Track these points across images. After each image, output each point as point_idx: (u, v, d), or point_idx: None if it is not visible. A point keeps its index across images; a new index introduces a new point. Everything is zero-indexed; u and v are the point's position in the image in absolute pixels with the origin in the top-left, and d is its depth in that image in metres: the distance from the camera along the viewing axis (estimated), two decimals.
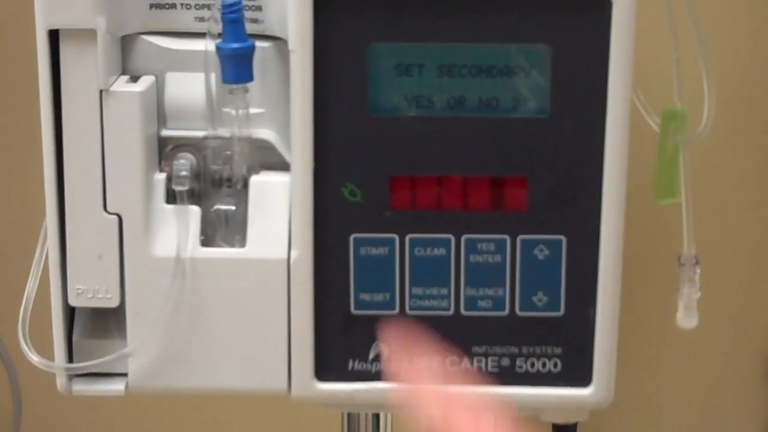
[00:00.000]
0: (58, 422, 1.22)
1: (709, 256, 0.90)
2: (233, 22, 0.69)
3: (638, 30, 0.67)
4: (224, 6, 0.69)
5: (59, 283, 0.71)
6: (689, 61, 0.79)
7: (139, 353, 0.71)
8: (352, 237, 0.70)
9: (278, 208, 0.71)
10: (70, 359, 0.72)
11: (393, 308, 0.71)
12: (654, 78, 0.82)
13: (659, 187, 0.82)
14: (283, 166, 0.71)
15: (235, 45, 0.70)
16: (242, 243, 0.71)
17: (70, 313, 0.72)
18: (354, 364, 0.71)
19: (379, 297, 0.71)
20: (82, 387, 0.73)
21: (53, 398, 0.77)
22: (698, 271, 0.84)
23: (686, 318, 0.84)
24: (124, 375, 0.72)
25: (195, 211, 0.71)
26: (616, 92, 0.68)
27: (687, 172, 0.81)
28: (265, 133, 0.72)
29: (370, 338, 0.71)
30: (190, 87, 0.71)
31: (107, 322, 0.73)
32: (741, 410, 1.16)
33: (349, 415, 0.94)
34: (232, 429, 1.23)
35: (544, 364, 0.71)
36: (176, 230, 0.71)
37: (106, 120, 0.69)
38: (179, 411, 1.23)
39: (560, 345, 0.71)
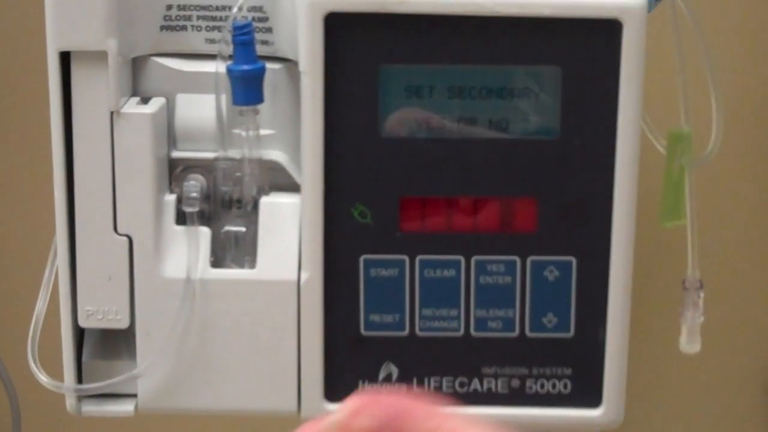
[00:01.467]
0: None
1: (713, 279, 0.90)
2: (244, 44, 0.70)
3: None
4: (235, 28, 0.69)
5: (69, 305, 0.71)
6: (694, 83, 0.79)
7: (149, 374, 0.71)
8: (362, 258, 0.70)
9: (288, 230, 0.71)
10: (80, 380, 0.72)
11: (403, 329, 0.71)
12: (659, 100, 0.83)
13: (665, 208, 0.82)
14: (293, 188, 0.72)
15: (246, 67, 0.70)
16: (252, 264, 0.71)
17: (79, 334, 0.72)
18: (364, 385, 0.71)
19: (389, 318, 0.71)
20: (91, 408, 0.73)
21: (53, 418, 0.77)
22: (702, 295, 0.84)
23: (689, 343, 0.84)
24: (134, 396, 0.72)
25: (205, 232, 0.71)
26: (626, 113, 0.68)
27: (693, 195, 0.81)
28: (276, 155, 0.72)
29: (380, 359, 0.71)
30: (201, 108, 0.71)
31: (117, 343, 0.73)
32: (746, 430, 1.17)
33: None
34: None
35: (554, 385, 0.71)
36: (186, 251, 0.71)
37: (116, 141, 0.69)
38: None
39: (570, 366, 0.71)
